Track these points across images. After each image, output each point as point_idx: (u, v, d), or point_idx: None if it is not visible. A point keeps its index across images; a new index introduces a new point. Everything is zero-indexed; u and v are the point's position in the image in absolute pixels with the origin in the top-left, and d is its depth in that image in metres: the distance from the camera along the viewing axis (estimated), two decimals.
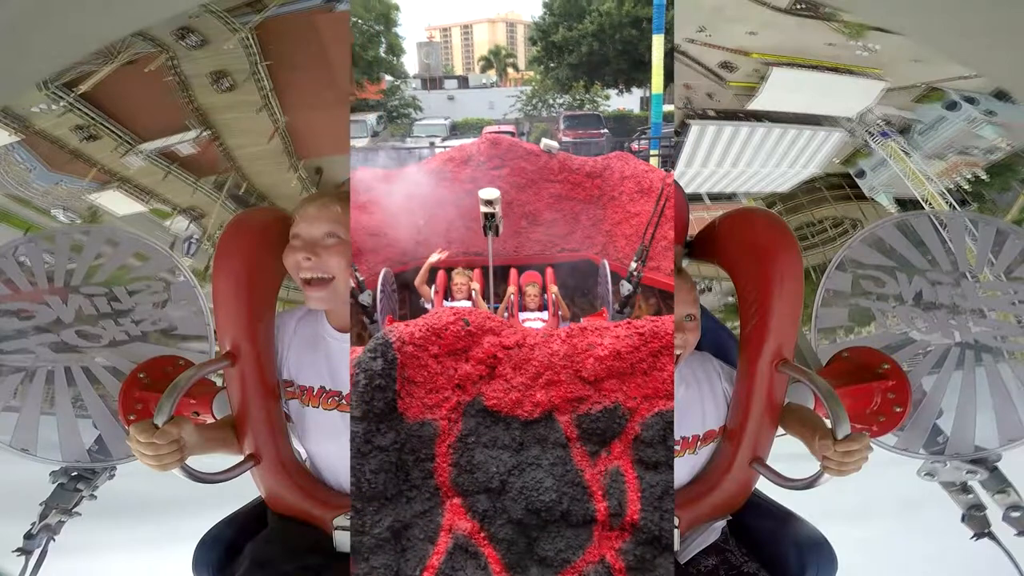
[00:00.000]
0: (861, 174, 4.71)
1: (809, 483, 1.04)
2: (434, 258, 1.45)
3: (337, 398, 1.16)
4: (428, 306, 1.44)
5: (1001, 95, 4.07)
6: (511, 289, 1.46)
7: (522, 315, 1.42)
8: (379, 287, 1.37)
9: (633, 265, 1.26)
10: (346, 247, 1.14)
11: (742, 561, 1.16)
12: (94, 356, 1.46)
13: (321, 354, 1.19)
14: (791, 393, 1.19)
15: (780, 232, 1.17)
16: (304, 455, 1.21)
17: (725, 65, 4.45)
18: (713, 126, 4.73)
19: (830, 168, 4.78)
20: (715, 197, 4.97)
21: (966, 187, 4.37)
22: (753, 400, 1.15)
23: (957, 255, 1.49)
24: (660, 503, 0.97)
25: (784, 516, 1.24)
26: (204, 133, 4.03)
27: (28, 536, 1.38)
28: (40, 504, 1.42)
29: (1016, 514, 1.38)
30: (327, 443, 1.17)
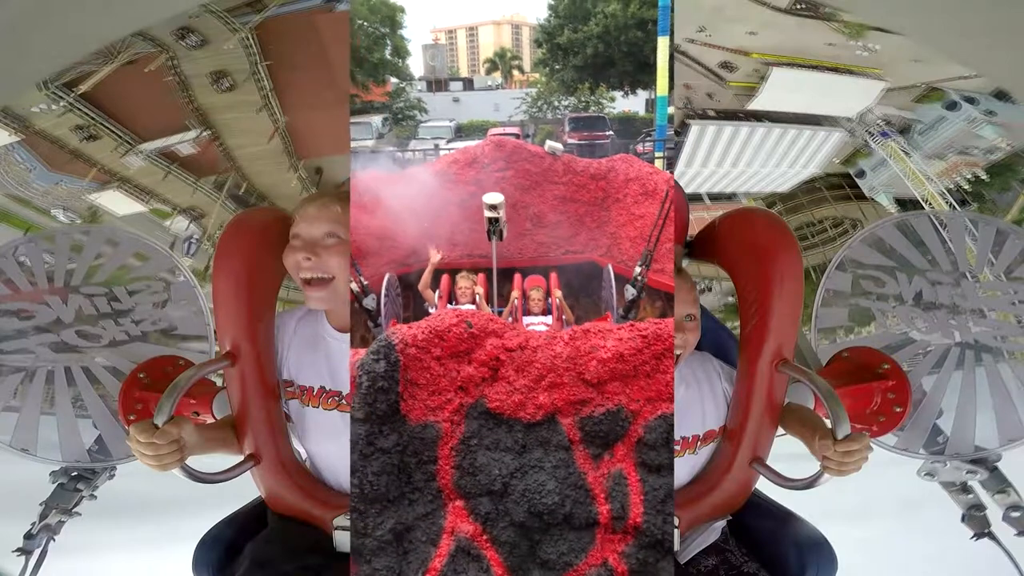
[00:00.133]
0: (861, 174, 4.71)
1: (809, 483, 1.04)
2: (435, 259, 1.45)
3: (337, 398, 1.16)
4: (432, 310, 1.44)
5: (1001, 95, 4.07)
6: (515, 294, 1.46)
7: (526, 319, 1.42)
8: (383, 291, 1.37)
9: (638, 270, 1.26)
10: (346, 247, 1.14)
11: (742, 561, 1.16)
12: (94, 356, 1.46)
13: (321, 354, 1.19)
14: (791, 393, 1.19)
15: (780, 232, 1.17)
16: (304, 455, 1.21)
17: (725, 65, 4.45)
18: (713, 126, 4.73)
19: (830, 168, 4.78)
20: (715, 197, 4.97)
21: (966, 187, 4.38)
22: (753, 400, 1.15)
23: (957, 255, 1.49)
24: (663, 506, 0.97)
25: (784, 516, 1.24)
26: (204, 133, 4.03)
27: (28, 536, 1.38)
28: (40, 504, 1.42)
29: (1016, 514, 1.38)
30: (327, 443, 1.17)
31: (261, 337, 1.15)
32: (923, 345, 1.45)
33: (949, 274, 1.48)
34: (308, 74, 3.90)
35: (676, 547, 1.10)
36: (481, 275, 1.48)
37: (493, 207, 1.41)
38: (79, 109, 3.63)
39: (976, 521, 1.40)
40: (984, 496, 1.43)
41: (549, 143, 1.78)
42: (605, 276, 1.47)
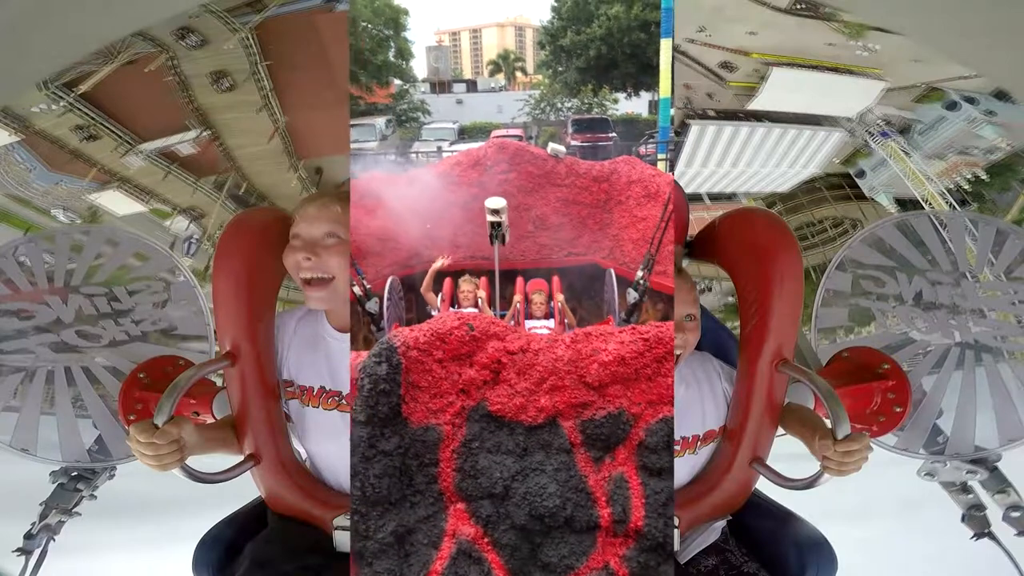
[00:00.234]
0: (861, 174, 4.71)
1: (809, 483, 1.04)
2: (438, 264, 1.45)
3: (337, 398, 1.16)
4: (434, 313, 1.44)
5: (1001, 95, 4.07)
6: (517, 298, 1.46)
7: (528, 323, 1.42)
8: (386, 295, 1.37)
9: (640, 274, 1.26)
10: (346, 247, 1.14)
11: (742, 561, 1.16)
12: (94, 356, 1.46)
13: (321, 354, 1.19)
14: (791, 393, 1.19)
15: (780, 232, 1.17)
16: (304, 455, 1.21)
17: (725, 65, 4.45)
18: (713, 126, 4.72)
19: (830, 168, 4.78)
20: (715, 197, 4.97)
21: (966, 187, 4.38)
22: (753, 400, 1.15)
23: (957, 255, 1.49)
24: (664, 509, 0.97)
25: (784, 516, 1.24)
26: (204, 133, 4.03)
27: (28, 536, 1.38)
28: (40, 504, 1.41)
29: (1016, 514, 1.38)
30: (327, 443, 1.17)
31: (261, 337, 1.15)
32: (923, 345, 1.45)
33: (949, 274, 1.47)
34: (308, 74, 3.90)
35: (676, 547, 1.10)
36: (483, 278, 1.48)
37: (495, 211, 1.41)
38: (79, 109, 3.63)
39: (976, 521, 1.40)
40: (984, 496, 1.43)
41: (552, 145, 1.78)
42: (607, 280, 1.47)
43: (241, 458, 1.13)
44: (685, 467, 1.18)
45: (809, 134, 4.64)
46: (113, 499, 1.52)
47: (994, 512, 1.41)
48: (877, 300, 1.48)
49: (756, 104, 4.59)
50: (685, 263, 1.38)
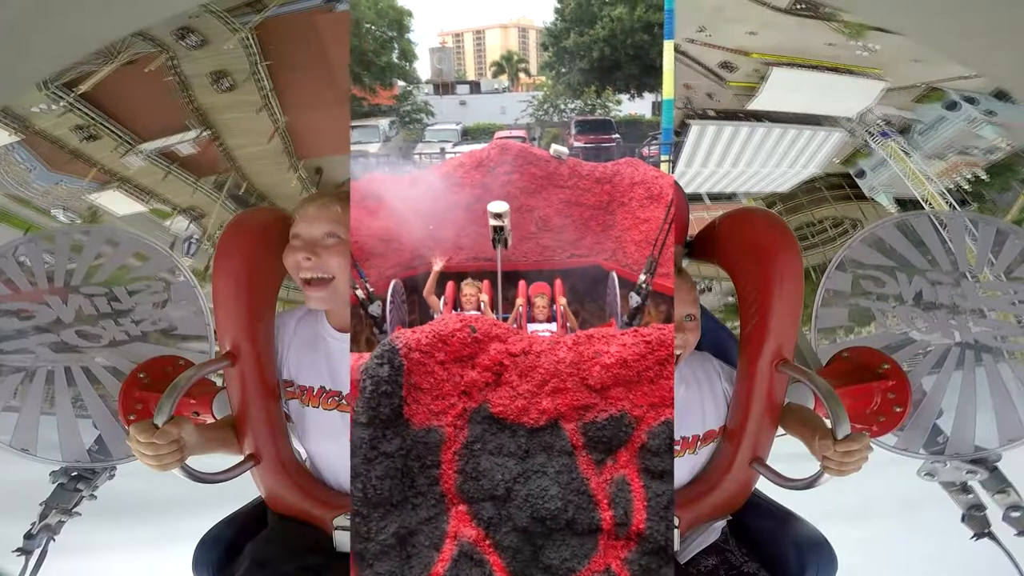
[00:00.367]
0: (861, 174, 4.72)
1: (809, 483, 1.04)
2: (438, 267, 1.45)
3: (337, 398, 1.16)
4: (437, 315, 1.44)
5: (1001, 95, 4.08)
6: (520, 301, 1.46)
7: (530, 327, 1.42)
8: (388, 298, 1.37)
9: (643, 277, 1.26)
10: (346, 247, 1.14)
11: (742, 561, 1.16)
12: (94, 356, 1.46)
13: (321, 354, 1.19)
14: (791, 393, 1.19)
15: (780, 232, 1.17)
16: (304, 455, 1.21)
17: (725, 65, 4.45)
18: (713, 126, 4.73)
19: (830, 168, 4.78)
20: (715, 197, 4.97)
21: (966, 187, 4.38)
22: (753, 400, 1.15)
23: (957, 255, 1.49)
24: (666, 513, 0.97)
25: (784, 516, 1.24)
26: (204, 133, 4.03)
27: (28, 536, 1.38)
28: (40, 504, 1.41)
29: (1016, 514, 1.38)
30: (327, 443, 1.17)
31: (261, 337, 1.15)
32: (923, 345, 1.45)
33: (949, 274, 1.47)
34: (308, 74, 3.90)
35: (676, 547, 1.10)
36: (486, 282, 1.48)
37: (498, 215, 1.41)
38: (79, 109, 3.63)
39: (976, 521, 1.40)
40: (984, 496, 1.42)
41: (554, 147, 1.78)
42: (610, 283, 1.47)
43: (241, 458, 1.13)
44: (685, 467, 1.18)
45: (809, 134, 4.65)
46: (113, 499, 1.52)
47: (994, 512, 1.41)
48: (877, 300, 1.48)
49: (756, 104, 4.59)
50: (685, 263, 1.38)
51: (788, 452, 1.15)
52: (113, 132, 3.82)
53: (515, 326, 1.36)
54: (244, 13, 3.69)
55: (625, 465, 0.99)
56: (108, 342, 1.47)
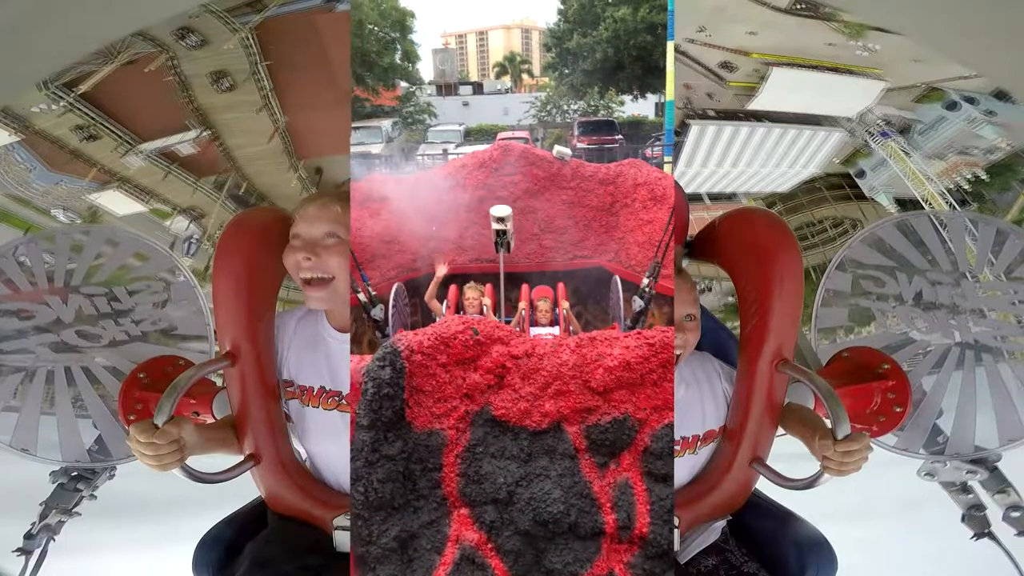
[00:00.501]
0: (861, 174, 4.72)
1: (809, 483, 1.04)
2: (440, 273, 1.45)
3: (337, 398, 1.16)
4: (439, 319, 1.44)
5: (1001, 95, 4.08)
6: (522, 305, 1.46)
7: (533, 330, 1.42)
8: (391, 302, 1.37)
9: (645, 281, 1.26)
10: (346, 247, 1.14)
11: (742, 561, 1.16)
12: (94, 356, 1.46)
13: (321, 354, 1.19)
14: (791, 393, 1.19)
15: (780, 232, 1.17)
16: (304, 455, 1.21)
17: (725, 65, 4.45)
18: (713, 126, 4.73)
19: (830, 168, 4.78)
20: (715, 197, 4.97)
21: (966, 187, 4.38)
22: (753, 400, 1.14)
23: (957, 255, 1.49)
24: (670, 516, 0.97)
25: (784, 516, 1.24)
26: (204, 133, 4.03)
27: (28, 536, 1.38)
28: (40, 504, 1.41)
29: (1016, 514, 1.38)
30: (327, 443, 1.17)
31: (261, 337, 1.15)
32: (923, 345, 1.45)
33: (949, 274, 1.47)
34: (308, 74, 3.90)
35: (676, 547, 1.10)
36: (488, 285, 1.48)
37: (501, 219, 1.41)
38: (79, 109, 3.63)
39: (976, 521, 1.40)
40: (984, 496, 1.42)
41: (557, 148, 1.78)
42: (612, 287, 1.47)
43: (241, 458, 1.13)
44: (685, 467, 1.18)
45: (809, 134, 4.65)
46: (113, 499, 1.52)
47: (994, 512, 1.41)
48: (877, 300, 1.48)
49: (756, 104, 4.59)
50: (685, 263, 1.38)
51: (788, 452, 1.15)
52: (113, 132, 3.81)
53: (518, 330, 1.36)
54: (244, 13, 3.69)
55: (628, 468, 0.99)
56: (108, 342, 1.47)
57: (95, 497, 1.47)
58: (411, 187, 1.75)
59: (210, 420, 1.27)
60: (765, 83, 4.46)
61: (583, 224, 1.73)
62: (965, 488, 1.43)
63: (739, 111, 4.67)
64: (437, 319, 1.44)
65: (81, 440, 1.44)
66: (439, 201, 1.68)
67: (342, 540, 1.09)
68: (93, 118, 3.70)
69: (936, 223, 1.53)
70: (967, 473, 1.41)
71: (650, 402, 1.01)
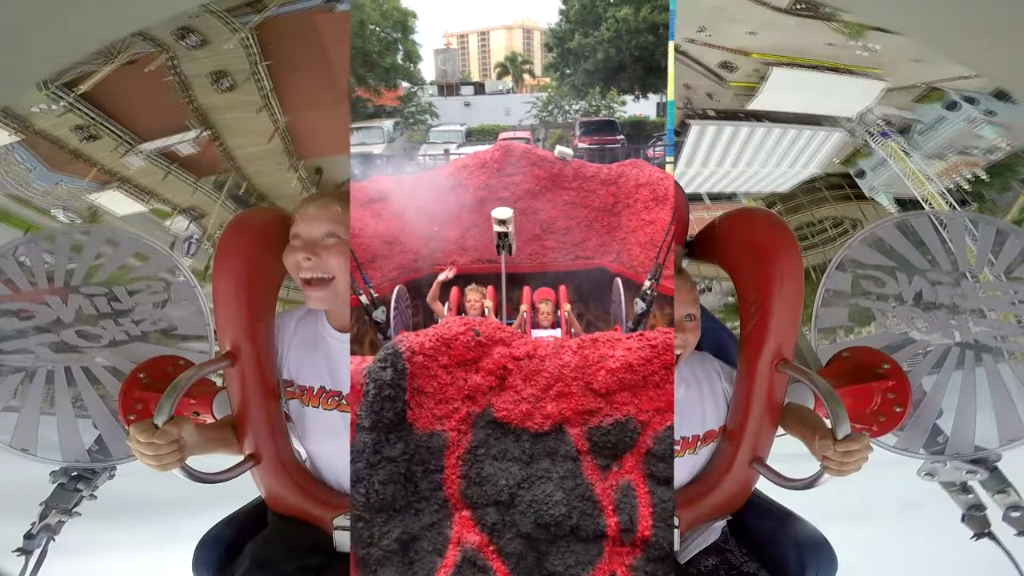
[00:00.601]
0: (861, 174, 4.72)
1: (809, 483, 1.04)
2: (443, 276, 1.45)
3: (337, 398, 1.16)
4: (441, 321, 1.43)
5: (1001, 95, 4.08)
6: (523, 307, 1.46)
7: (535, 333, 1.41)
8: (392, 304, 1.37)
9: (647, 284, 1.26)
10: (346, 247, 1.14)
11: (742, 561, 1.16)
12: (94, 356, 1.46)
13: (321, 354, 1.19)
14: (791, 393, 1.19)
15: (780, 232, 1.17)
16: (304, 455, 1.21)
17: (725, 65, 4.45)
18: (713, 126, 4.73)
19: (830, 168, 4.78)
20: (715, 197, 4.97)
21: (966, 187, 4.38)
22: (753, 400, 1.14)
23: (957, 255, 1.49)
24: (672, 519, 0.96)
25: (784, 516, 1.24)
26: (204, 133, 4.03)
27: (28, 536, 1.38)
28: (40, 504, 1.41)
29: (1016, 514, 1.38)
30: (327, 443, 1.17)
31: (261, 337, 1.15)
32: (923, 345, 1.45)
33: (949, 274, 1.47)
34: (308, 74, 3.90)
35: (676, 547, 1.10)
36: (490, 288, 1.48)
37: (502, 222, 1.41)
38: (79, 109, 3.63)
39: (976, 521, 1.40)
40: (984, 496, 1.43)
41: (559, 148, 1.78)
42: (614, 290, 1.47)
43: (241, 458, 1.13)
44: (685, 467, 1.18)
45: (809, 134, 4.65)
46: (113, 499, 1.52)
47: (994, 512, 1.41)
48: (877, 300, 1.48)
49: (756, 104, 4.59)
50: (685, 263, 1.38)
51: (788, 452, 1.15)
52: (113, 132, 3.81)
53: (519, 332, 1.36)
54: (244, 13, 3.69)
55: (630, 470, 0.98)
56: (108, 342, 1.47)
57: (95, 497, 1.47)
58: (412, 187, 1.74)
59: (210, 420, 1.27)
60: (765, 83, 4.46)
61: (585, 224, 1.73)
62: (965, 488, 1.43)
63: (739, 111, 4.67)
64: (439, 321, 1.43)
65: (81, 440, 1.44)
66: (440, 201, 1.68)
67: (342, 540, 1.09)
68: (93, 118, 3.70)
69: (936, 223, 1.53)
70: (967, 473, 1.41)
71: (652, 404, 1.00)
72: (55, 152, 3.73)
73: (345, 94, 3.51)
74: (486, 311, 1.39)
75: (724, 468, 1.16)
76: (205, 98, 3.94)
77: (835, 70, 4.34)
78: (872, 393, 1.33)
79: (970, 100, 4.18)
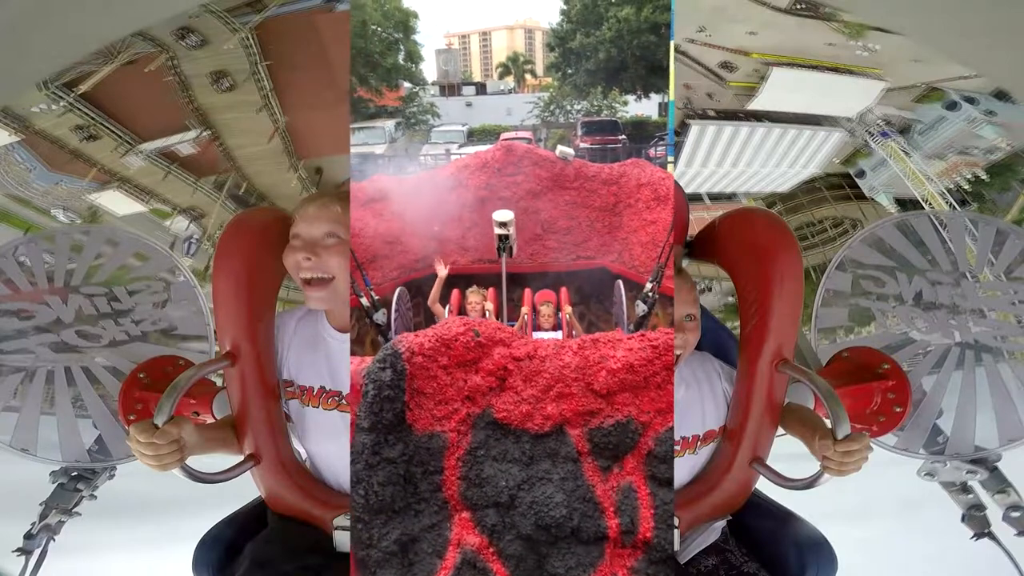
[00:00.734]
0: (861, 174, 4.72)
1: (809, 483, 1.04)
2: (443, 274, 1.45)
3: (337, 398, 1.16)
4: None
5: (1001, 95, 4.08)
6: (524, 309, 1.46)
7: (536, 335, 1.41)
8: (394, 306, 1.36)
9: (648, 286, 1.26)
10: (346, 247, 1.14)
11: (742, 561, 1.16)
12: (94, 356, 1.46)
13: (321, 354, 1.19)
14: (791, 393, 1.19)
15: (780, 232, 1.17)
16: (304, 455, 1.21)
17: (725, 65, 4.45)
18: (713, 126, 4.73)
19: (830, 168, 4.78)
20: (715, 197, 4.97)
21: (966, 187, 4.38)
22: (753, 400, 1.14)
23: (957, 255, 1.49)
24: (674, 520, 0.96)
25: (784, 516, 1.24)
26: (204, 133, 4.03)
27: (28, 536, 1.38)
28: (40, 504, 1.41)
29: (1016, 514, 1.38)
30: (327, 443, 1.17)
31: (261, 337, 1.15)
32: (923, 345, 1.45)
33: (949, 274, 1.47)
34: (308, 74, 3.91)
35: (676, 547, 1.10)
36: (491, 290, 1.47)
37: (503, 224, 1.41)
38: (79, 109, 3.63)
39: (976, 521, 1.40)
40: (984, 496, 1.43)
41: (560, 148, 1.77)
42: (616, 293, 1.46)
43: (241, 458, 1.13)
44: (685, 467, 1.18)
45: (809, 134, 4.65)
46: (113, 499, 1.52)
47: (994, 512, 1.41)
48: (877, 300, 1.48)
49: (756, 104, 4.59)
50: (685, 263, 1.38)
51: (788, 452, 1.15)
52: (113, 132, 3.82)
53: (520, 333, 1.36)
54: (244, 13, 3.69)
55: (632, 472, 0.98)
56: (108, 342, 1.47)
57: (95, 497, 1.47)
58: (413, 187, 1.74)
59: (210, 420, 1.27)
60: (765, 83, 4.46)
61: (586, 224, 1.73)
62: (965, 488, 1.43)
63: (739, 111, 4.67)
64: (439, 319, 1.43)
65: (81, 440, 1.44)
66: (442, 201, 1.68)
67: (342, 540, 1.09)
68: (93, 118, 3.70)
69: (936, 223, 1.53)
70: (967, 473, 1.41)
71: (653, 405, 1.00)
72: (55, 152, 3.73)
73: (345, 94, 3.51)
74: (487, 314, 1.39)
75: (724, 468, 1.16)
76: (205, 98, 3.94)
77: (835, 70, 4.34)
78: (872, 393, 1.33)
79: (970, 100, 4.19)
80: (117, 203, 4.03)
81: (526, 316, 1.43)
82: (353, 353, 1.16)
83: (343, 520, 1.09)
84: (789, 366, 1.12)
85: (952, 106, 4.27)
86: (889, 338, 1.45)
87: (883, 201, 4.65)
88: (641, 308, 1.27)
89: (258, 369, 1.13)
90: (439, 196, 1.69)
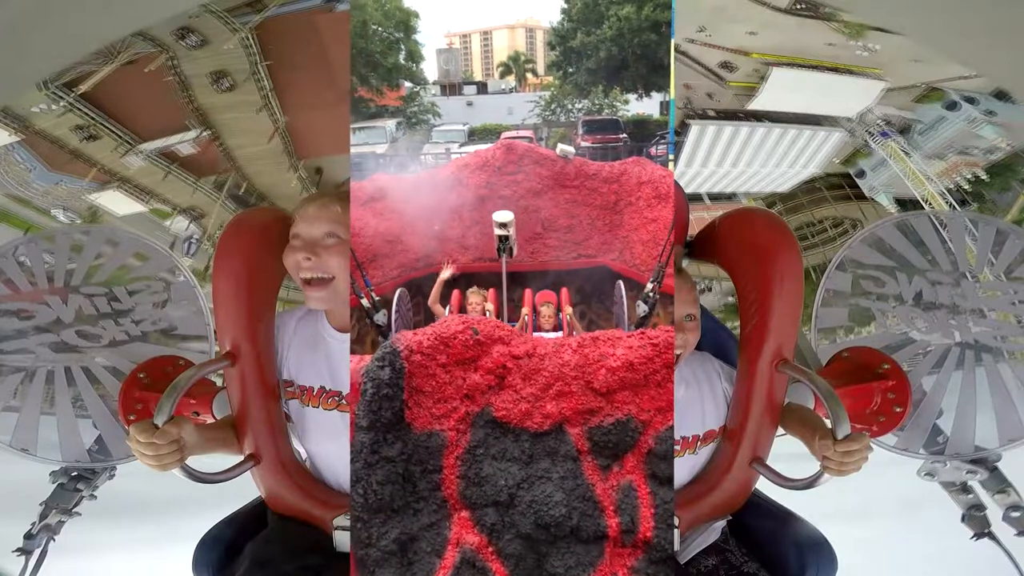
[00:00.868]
0: (861, 174, 4.72)
1: (809, 483, 1.04)
2: (445, 275, 1.45)
3: (337, 398, 1.16)
4: None
5: (1001, 95, 4.08)
6: (525, 310, 1.45)
7: (536, 336, 1.41)
8: (394, 308, 1.36)
9: (649, 286, 1.26)
10: (346, 247, 1.14)
11: (742, 561, 1.16)
12: (94, 356, 1.46)
13: (321, 354, 1.19)
14: (791, 393, 1.19)
15: (780, 232, 1.17)
16: (304, 455, 1.21)
17: (725, 65, 4.45)
18: (713, 126, 4.73)
19: (830, 168, 4.78)
20: (715, 197, 4.97)
21: (966, 187, 4.38)
22: (753, 400, 1.14)
23: (957, 255, 1.49)
24: (674, 520, 0.96)
25: (784, 516, 1.24)
26: (204, 133, 4.03)
27: (28, 536, 1.38)
28: (40, 504, 1.41)
29: (1016, 514, 1.38)
30: (327, 443, 1.17)
31: (261, 337, 1.15)
32: (923, 345, 1.45)
33: (949, 274, 1.47)
34: (308, 74, 3.91)
35: (676, 547, 1.10)
36: (491, 290, 1.47)
37: (503, 225, 1.40)
38: (79, 109, 3.63)
39: (976, 521, 1.40)
40: (984, 496, 1.43)
41: (561, 146, 1.77)
42: (616, 293, 1.46)
43: (241, 458, 1.13)
44: (685, 467, 1.18)
45: (809, 134, 4.65)
46: (113, 499, 1.52)
47: (994, 512, 1.41)
48: (877, 300, 1.48)
49: (756, 104, 4.59)
50: (685, 263, 1.38)
51: (788, 452, 1.15)
52: (113, 132, 3.82)
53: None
54: (244, 13, 3.69)
55: (632, 471, 0.98)
56: (108, 342, 1.47)
57: (95, 497, 1.47)
58: (414, 186, 1.74)
59: (210, 420, 1.27)
60: (765, 83, 4.46)
61: (587, 223, 1.72)
62: (965, 488, 1.43)
63: (739, 111, 4.67)
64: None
65: (81, 440, 1.44)
66: (442, 200, 1.68)
67: (342, 540, 1.09)
68: (93, 118, 3.70)
69: (936, 223, 1.53)
70: (967, 473, 1.41)
71: (654, 403, 1.00)
72: (55, 152, 3.73)
73: (345, 94, 3.51)
74: (487, 314, 1.38)
75: (724, 468, 1.16)
76: (205, 98, 3.94)
77: (835, 70, 4.34)
78: (872, 393, 1.33)
79: (970, 100, 4.19)
80: (117, 203, 4.03)
81: (526, 317, 1.43)
82: (353, 352, 1.16)
83: (343, 520, 1.09)
84: (789, 366, 1.12)
85: (952, 106, 4.27)
86: (889, 338, 1.45)
87: (883, 201, 4.65)
88: (642, 308, 1.27)
89: (258, 369, 1.13)
90: (439, 195, 1.69)
